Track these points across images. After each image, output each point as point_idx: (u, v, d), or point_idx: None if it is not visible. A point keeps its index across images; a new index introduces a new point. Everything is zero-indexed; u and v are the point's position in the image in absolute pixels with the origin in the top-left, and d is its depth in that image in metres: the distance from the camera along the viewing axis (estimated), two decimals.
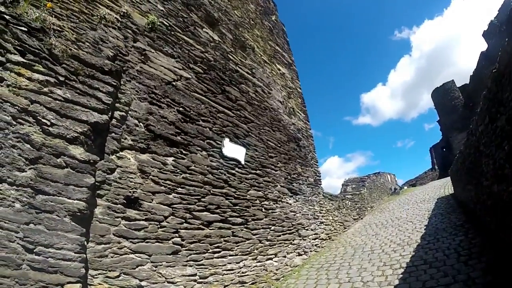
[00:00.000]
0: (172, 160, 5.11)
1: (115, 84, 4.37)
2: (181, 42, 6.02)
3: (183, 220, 4.98)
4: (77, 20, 4.67)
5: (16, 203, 3.10)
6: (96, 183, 4.10)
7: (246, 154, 6.62)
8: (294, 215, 7.85)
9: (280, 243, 6.98)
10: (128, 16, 5.30)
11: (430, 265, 5.58)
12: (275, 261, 6.65)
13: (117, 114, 4.64)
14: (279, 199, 7.40)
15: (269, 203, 7.00)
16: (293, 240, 7.49)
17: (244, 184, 6.36)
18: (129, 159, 4.63)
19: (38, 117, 3.48)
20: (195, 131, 5.60)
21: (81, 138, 3.81)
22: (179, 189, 5.07)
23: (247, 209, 6.25)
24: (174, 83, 5.55)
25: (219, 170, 5.83)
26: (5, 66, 3.43)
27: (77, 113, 3.83)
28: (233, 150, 6.27)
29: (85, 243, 3.51)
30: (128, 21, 5.28)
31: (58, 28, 4.31)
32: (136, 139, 4.80)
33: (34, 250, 3.04)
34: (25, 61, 3.55)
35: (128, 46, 5.11)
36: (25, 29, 3.67)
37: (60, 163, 3.50)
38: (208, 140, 5.80)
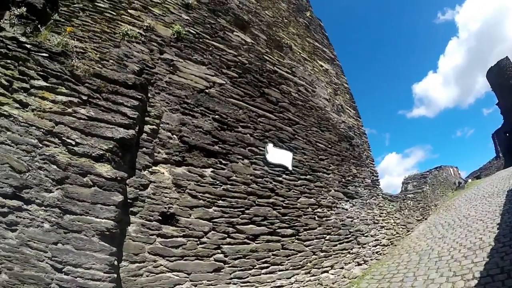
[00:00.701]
0: (211, 172, 4.63)
1: (140, 97, 4.06)
2: (211, 48, 5.63)
3: (226, 235, 4.47)
4: (100, 40, 4.58)
5: (45, 223, 3.05)
6: (128, 200, 3.78)
7: (294, 158, 5.91)
8: (352, 221, 6.88)
9: (336, 254, 6.10)
10: (152, 29, 5.06)
11: (508, 274, 4.50)
12: (331, 274, 5.80)
13: (147, 128, 4.34)
14: (333, 205, 6.51)
15: (323, 210, 6.17)
16: (351, 249, 6.55)
17: (293, 191, 5.64)
18: (163, 173, 4.27)
19: (63, 138, 3.37)
20: (234, 138, 5.07)
21: (107, 155, 3.54)
22: (220, 202, 4.57)
23: (298, 219, 5.52)
24: (207, 90, 5.14)
25: (264, 179, 5.20)
26: (29, 92, 3.45)
27: (102, 130, 3.59)
28: (279, 156, 5.60)
29: (115, 262, 3.23)
30: (152, 34, 5.05)
31: (81, 50, 4.21)
32: (171, 152, 4.44)
33: (63, 270, 2.94)
34: (48, 85, 3.51)
35: (154, 58, 4.85)
36: (46, 55, 3.65)
37: (86, 182, 3.31)
38: (249, 147, 5.24)
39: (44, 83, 3.50)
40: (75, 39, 4.26)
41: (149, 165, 4.17)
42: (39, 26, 3.98)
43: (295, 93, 6.82)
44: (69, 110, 3.51)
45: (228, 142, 4.97)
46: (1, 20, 3.78)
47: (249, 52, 6.27)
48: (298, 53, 7.96)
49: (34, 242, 2.96)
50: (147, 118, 4.36)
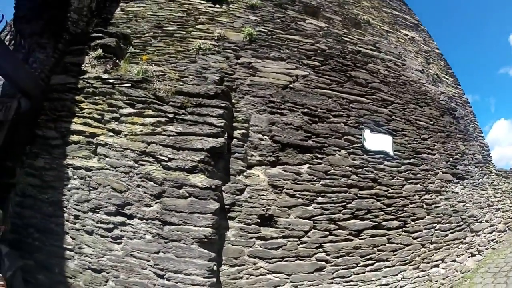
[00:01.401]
0: (307, 168, 4.11)
1: (224, 105, 3.79)
2: (286, 42, 5.00)
3: (327, 233, 3.92)
4: (176, 60, 4.51)
5: (146, 235, 3.15)
6: (226, 206, 3.59)
7: (394, 142, 4.91)
8: (463, 205, 5.50)
9: (447, 245, 4.93)
10: (223, 38, 4.76)
11: None
12: (442, 268, 4.72)
13: (236, 133, 4.03)
14: (442, 189, 5.27)
15: (431, 196, 5.03)
16: (463, 238, 5.23)
17: (397, 179, 4.70)
18: (258, 176, 3.93)
19: (156, 156, 3.39)
20: (327, 130, 4.40)
21: (200, 166, 3.38)
22: (319, 198, 4.01)
23: (404, 208, 4.58)
24: (291, 85, 4.59)
25: (364, 169, 4.42)
26: (120, 120, 3.58)
27: (192, 143, 3.46)
28: (377, 142, 4.71)
29: (215, 267, 3.17)
30: (225, 42, 4.74)
31: (161, 73, 4.23)
32: (264, 154, 4.05)
33: (164, 276, 2.98)
34: (135, 110, 3.59)
35: (232, 65, 4.53)
36: (129, 84, 3.71)
37: (182, 194, 3.26)
38: (345, 137, 4.51)
39: (131, 110, 3.59)
40: (153, 65, 4.21)
41: (243, 170, 3.88)
42: (117, 61, 4.10)
43: (384, 70, 5.65)
44: (158, 129, 3.51)
45: (322, 135, 4.33)
46: (83, 65, 3.98)
47: (326, 37, 5.40)
48: (378, 27, 6.63)
49: (138, 252, 3.07)
50: (235, 124, 4.06)
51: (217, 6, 5.05)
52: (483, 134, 7.35)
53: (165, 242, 3.07)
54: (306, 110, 4.40)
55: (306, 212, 3.87)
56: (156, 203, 3.22)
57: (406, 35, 6.98)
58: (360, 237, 4.07)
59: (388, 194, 4.47)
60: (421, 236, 4.60)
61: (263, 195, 3.82)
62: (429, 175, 5.14)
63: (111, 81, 3.78)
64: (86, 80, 3.75)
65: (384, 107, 5.17)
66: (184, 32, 4.73)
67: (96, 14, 4.93)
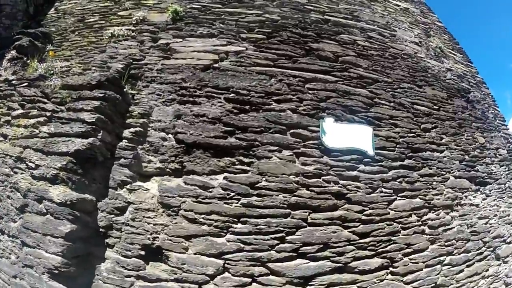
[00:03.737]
0: (223, 179, 1.93)
1: (101, 95, 1.93)
2: (223, 16, 2.80)
3: (248, 280, 1.74)
4: (86, 52, 2.74)
5: (12, 254, 1.97)
6: (101, 229, 1.91)
7: (376, 135, 2.42)
8: (486, 223, 2.79)
9: (461, 286, 2.29)
10: (143, 21, 2.81)
11: None
12: None
13: (127, 132, 2.07)
14: (454, 202, 2.62)
15: (437, 214, 2.45)
16: (485, 271, 2.55)
17: (381, 191, 2.23)
18: (147, 189, 1.92)
19: (27, 162, 2.03)
20: (261, 121, 2.16)
21: (61, 175, 1.85)
22: (237, 226, 1.85)
23: (392, 238, 2.13)
24: (216, 65, 2.42)
25: (322, 178, 2.08)
26: (10, 122, 2.32)
27: (58, 146, 1.94)
28: (347, 135, 2.29)
29: None
30: (144, 25, 2.76)
31: (66, 69, 2.55)
32: (165, 159, 2.02)
33: None
34: (23, 111, 2.26)
35: (144, 49, 2.53)
36: (26, 84, 2.37)
37: (40, 210, 1.88)
38: (292, 130, 2.19)
39: (21, 111, 2.27)
40: (62, 60, 2.71)
41: (127, 181, 1.89)
42: (27, 61, 2.75)
43: (364, 41, 3.10)
44: (36, 131, 2.10)
45: (252, 128, 2.10)
46: (1, 69, 2.79)
47: (281, 7, 3.03)
48: None
49: (2, 274, 1.98)
50: (129, 120, 2.07)
51: None
52: (506, 122, 4.30)
53: (22, 267, 1.87)
54: (231, 95, 2.21)
55: (213, 246, 1.78)
56: (20, 218, 1.96)
57: (398, 5, 4.15)
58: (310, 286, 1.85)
59: (364, 217, 2.07)
60: (420, 279, 2.11)
61: (150, 217, 1.83)
62: (434, 183, 2.54)
63: (14, 82, 2.44)
64: None
65: (361, 86, 2.66)
66: (103, 22, 2.95)
67: (34, 17, 3.48)
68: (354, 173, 2.19)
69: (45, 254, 1.77)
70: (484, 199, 2.95)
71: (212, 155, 2.04)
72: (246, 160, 2.04)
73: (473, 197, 2.84)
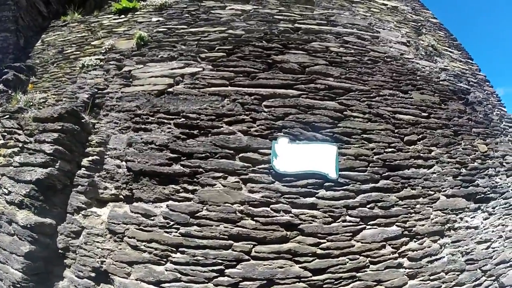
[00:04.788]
0: (166, 207, 1.63)
1: (59, 127, 1.81)
2: (185, 37, 2.44)
3: None
4: (60, 83, 2.58)
5: None
6: (60, 251, 1.75)
7: (343, 154, 1.87)
8: (487, 247, 2.01)
9: None
10: (111, 50, 2.55)
11: None
12: None
13: (85, 161, 1.87)
14: (445, 226, 1.93)
15: (420, 243, 1.80)
16: None
17: (344, 221, 1.69)
18: (98, 216, 1.73)
19: (3, 188, 1.93)
20: (207, 146, 1.79)
21: (26, 201, 1.77)
22: (176, 255, 1.53)
23: (357, 275, 1.58)
24: (170, 89, 2.09)
25: (271, 206, 1.65)
26: None
27: (24, 175, 1.85)
28: (304, 157, 1.80)
29: None
30: (111, 53, 2.50)
31: (43, 100, 2.41)
32: (119, 186, 1.78)
33: None
34: (4, 141, 2.16)
35: (108, 77, 2.29)
36: (8, 116, 2.25)
37: (10, 231, 1.81)
38: (240, 154, 1.78)
39: (2, 141, 2.16)
40: (41, 92, 2.57)
41: (82, 207, 1.71)
42: (12, 94, 2.59)
43: (339, 47, 2.50)
44: (11, 160, 2.02)
45: (197, 155, 1.75)
46: None
47: (247, 21, 2.58)
48: None
49: None
50: (88, 149, 1.87)
51: (122, 16, 2.89)
52: None
53: None
54: (181, 120, 1.88)
55: (151, 274, 1.50)
56: None
57: (385, 4, 3.34)
58: None
59: (319, 251, 1.58)
60: None
61: (99, 241, 1.64)
62: (417, 206, 1.90)
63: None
64: None
65: (329, 98, 2.11)
66: (78, 53, 2.76)
67: (24, 49, 3.32)
68: (311, 200, 1.70)
69: (11, 269, 1.73)
70: (485, 219, 2.17)
71: (158, 183, 1.75)
72: (190, 187, 1.71)
73: (471, 218, 2.10)
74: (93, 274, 1.66)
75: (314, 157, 1.80)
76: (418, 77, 2.57)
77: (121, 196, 1.84)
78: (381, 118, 2.18)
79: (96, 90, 2.21)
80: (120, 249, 1.65)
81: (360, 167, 1.89)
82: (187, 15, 2.70)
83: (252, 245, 1.57)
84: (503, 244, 2.18)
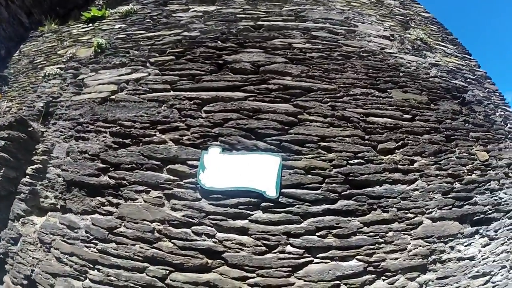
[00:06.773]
0: (89, 221, 1.46)
1: (7, 135, 1.83)
2: (140, 42, 2.29)
3: None
4: (24, 92, 2.51)
5: None
6: (1, 256, 1.67)
7: (289, 167, 1.51)
8: (486, 282, 1.46)
9: None
10: (72, 58, 2.47)
11: None
12: None
13: (29, 169, 1.80)
14: (429, 258, 1.43)
15: (391, 282, 1.33)
16: None
17: (281, 251, 1.33)
18: (34, 224, 1.65)
19: None
20: (135, 156, 1.59)
21: None
22: (92, 272, 1.34)
23: None
24: (113, 96, 1.93)
25: (192, 228, 1.37)
26: None
27: None
28: (239, 170, 1.48)
29: None
30: (71, 61, 2.42)
31: (8, 109, 2.33)
32: (57, 195, 1.69)
33: None
34: None
35: (63, 86, 2.23)
36: None
37: None
38: (169, 165, 1.54)
39: None
40: (8, 101, 2.50)
41: (21, 214, 1.65)
42: None
43: (304, 43, 2.13)
44: None
45: (124, 165, 1.55)
46: None
47: (207, 22, 2.35)
48: None
49: None
50: (34, 158, 1.81)
51: (90, 25, 2.83)
52: None
53: None
54: (116, 128, 1.71)
55: None
56: None
57: None
58: None
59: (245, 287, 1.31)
60: None
61: (31, 250, 1.54)
62: (389, 234, 1.44)
63: None
64: None
65: (283, 100, 1.77)
66: (45, 62, 2.70)
67: (5, 59, 3.27)
68: (242, 223, 1.37)
69: None
70: (485, 245, 1.62)
71: (87, 194, 1.59)
72: (115, 201, 1.51)
73: (465, 246, 1.57)
74: (25, 282, 1.57)
75: (251, 170, 1.48)
76: (401, 74, 2.08)
77: (58, 206, 1.72)
78: (347, 122, 1.77)
79: (51, 98, 2.16)
80: (47, 259, 1.52)
81: (311, 183, 1.51)
82: (148, 20, 2.57)
83: (168, 271, 1.31)
84: (507, 276, 1.59)
